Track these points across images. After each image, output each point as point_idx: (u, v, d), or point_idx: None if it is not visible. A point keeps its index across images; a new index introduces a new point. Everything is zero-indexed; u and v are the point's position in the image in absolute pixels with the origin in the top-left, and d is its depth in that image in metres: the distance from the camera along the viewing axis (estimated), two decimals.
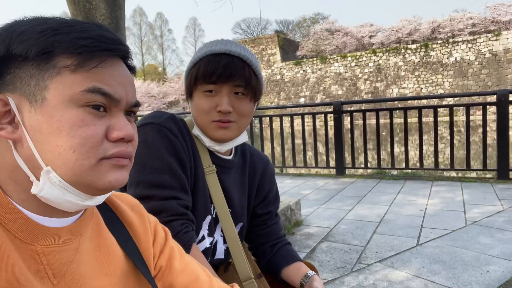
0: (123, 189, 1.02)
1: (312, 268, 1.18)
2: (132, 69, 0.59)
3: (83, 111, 0.51)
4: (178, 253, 0.74)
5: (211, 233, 1.08)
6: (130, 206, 0.69)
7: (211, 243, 1.08)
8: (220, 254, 1.11)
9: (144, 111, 34.10)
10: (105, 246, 0.60)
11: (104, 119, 0.53)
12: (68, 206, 0.53)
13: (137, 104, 0.58)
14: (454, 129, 5.08)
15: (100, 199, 0.56)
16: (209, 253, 1.07)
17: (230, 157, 1.12)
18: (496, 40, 26.43)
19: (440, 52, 28.44)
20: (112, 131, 0.53)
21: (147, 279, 0.64)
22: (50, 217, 0.53)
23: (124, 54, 0.56)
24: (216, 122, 1.00)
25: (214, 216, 1.09)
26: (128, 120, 0.56)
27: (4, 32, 0.51)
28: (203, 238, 1.06)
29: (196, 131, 1.05)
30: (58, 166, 0.50)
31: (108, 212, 0.64)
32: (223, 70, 0.96)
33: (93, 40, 0.51)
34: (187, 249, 0.91)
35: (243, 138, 1.10)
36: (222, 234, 1.11)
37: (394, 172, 5.73)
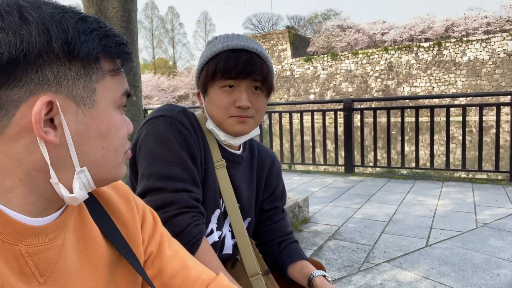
0: (135, 181, 1.02)
1: (319, 266, 1.17)
2: None
3: (119, 112, 0.56)
4: (167, 239, 0.75)
5: (219, 227, 1.07)
6: (115, 190, 0.68)
7: (219, 237, 1.07)
8: (228, 249, 1.11)
9: (154, 104, 34.25)
10: (89, 237, 0.59)
11: (122, 117, 0.57)
12: (77, 201, 0.53)
13: None
14: (466, 129, 5.01)
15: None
16: (217, 247, 1.07)
17: (239, 152, 1.12)
18: (511, 39, 25.94)
19: (454, 51, 28.01)
20: (128, 128, 0.58)
21: (135, 269, 0.64)
22: (35, 217, 0.50)
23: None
24: (234, 117, 1.00)
25: (222, 210, 1.08)
26: None
27: (48, 22, 0.46)
28: (211, 231, 1.05)
29: (210, 125, 1.05)
30: (96, 166, 0.53)
31: (91, 201, 0.63)
32: (243, 66, 0.96)
33: (127, 47, 0.55)
34: (198, 241, 0.91)
35: (256, 131, 1.09)
36: (230, 229, 1.11)
37: (404, 171, 5.67)
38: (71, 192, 0.51)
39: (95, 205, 0.63)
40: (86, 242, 0.59)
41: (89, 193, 0.63)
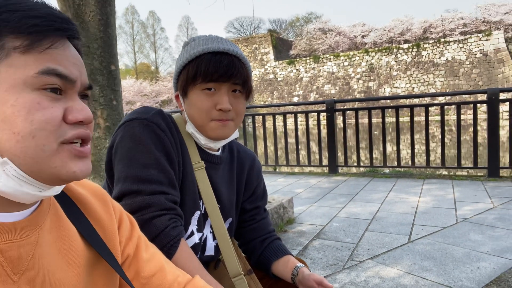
0: (111, 185, 1.00)
1: (302, 263, 1.18)
2: (79, 50, 0.56)
3: (39, 94, 0.48)
4: (144, 242, 0.74)
5: (200, 229, 1.07)
6: (92, 192, 0.67)
7: (200, 239, 1.07)
8: (210, 250, 1.10)
9: None
10: (67, 236, 0.58)
11: (61, 102, 0.50)
12: (26, 198, 0.50)
13: (90, 87, 0.56)
14: (445, 128, 5.12)
15: (58, 188, 0.54)
16: (198, 249, 1.06)
17: (218, 153, 1.12)
18: (487, 40, 26.69)
19: (432, 52, 28.64)
20: (70, 113, 0.51)
21: (114, 268, 0.63)
22: (3, 212, 0.49)
23: (74, 35, 0.53)
24: (216, 121, 1.00)
25: (203, 211, 1.07)
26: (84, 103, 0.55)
27: None
28: (192, 233, 1.04)
29: (190, 128, 1.04)
30: (17, 156, 0.47)
31: (67, 202, 0.62)
32: (225, 69, 0.96)
33: (43, 19, 0.49)
34: (176, 243, 0.90)
35: (236, 134, 1.10)
36: (211, 231, 1.10)
37: (386, 170, 5.76)
38: None
39: (71, 206, 0.62)
40: (63, 241, 0.58)
41: (65, 195, 0.62)
